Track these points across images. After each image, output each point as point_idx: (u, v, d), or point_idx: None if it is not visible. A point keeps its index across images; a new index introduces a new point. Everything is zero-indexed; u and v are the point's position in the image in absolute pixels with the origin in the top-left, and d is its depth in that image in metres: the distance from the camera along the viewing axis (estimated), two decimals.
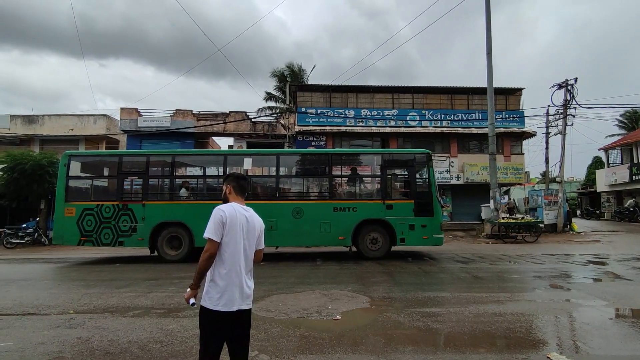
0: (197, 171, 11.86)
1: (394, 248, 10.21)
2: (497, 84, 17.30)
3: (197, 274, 2.32)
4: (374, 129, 21.52)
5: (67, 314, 5.10)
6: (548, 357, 3.40)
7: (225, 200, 2.52)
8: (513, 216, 16.45)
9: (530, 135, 22.38)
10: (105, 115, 23.42)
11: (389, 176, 10.30)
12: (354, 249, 10.34)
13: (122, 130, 22.71)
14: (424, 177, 10.26)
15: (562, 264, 9.31)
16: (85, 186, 10.71)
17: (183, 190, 10.47)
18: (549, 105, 20.86)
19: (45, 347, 3.84)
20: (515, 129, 21.81)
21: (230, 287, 2.31)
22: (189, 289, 2.35)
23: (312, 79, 27.81)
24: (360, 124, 21.50)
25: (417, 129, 21.49)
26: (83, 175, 10.76)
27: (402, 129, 21.49)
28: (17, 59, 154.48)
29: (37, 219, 16.86)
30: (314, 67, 31.62)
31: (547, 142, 21.64)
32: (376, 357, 3.48)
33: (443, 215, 12.60)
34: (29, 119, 22.80)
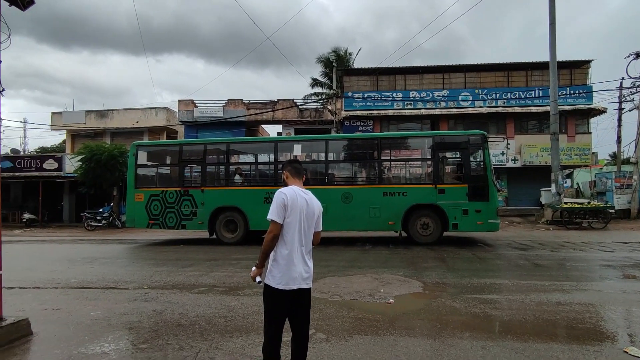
0: (250, 158, 12.33)
1: (446, 233, 9.97)
2: (560, 57, 15.87)
3: (262, 253, 2.48)
4: (423, 111, 20.76)
5: (142, 289, 5.66)
6: (625, 352, 3.15)
7: (285, 185, 2.65)
8: None
9: (600, 112, 20.27)
10: (165, 108, 25.04)
11: (441, 159, 9.98)
12: (403, 234, 10.24)
13: (180, 121, 24.13)
14: (479, 159, 9.83)
15: (636, 252, 8.52)
16: (152, 174, 11.62)
17: (237, 176, 10.97)
18: (622, 78, 18.73)
19: (127, 317, 4.33)
20: (581, 106, 19.85)
21: (290, 267, 2.44)
22: (254, 268, 2.52)
23: (358, 63, 27.35)
24: (409, 106, 20.82)
25: (470, 109, 20.40)
26: (149, 163, 11.67)
27: (454, 110, 20.51)
28: (87, 59, 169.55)
29: (112, 204, 18.68)
30: (359, 49, 30.98)
31: (619, 119, 19.55)
32: (432, 342, 3.48)
33: (498, 200, 11.99)
34: (101, 114, 25.09)
